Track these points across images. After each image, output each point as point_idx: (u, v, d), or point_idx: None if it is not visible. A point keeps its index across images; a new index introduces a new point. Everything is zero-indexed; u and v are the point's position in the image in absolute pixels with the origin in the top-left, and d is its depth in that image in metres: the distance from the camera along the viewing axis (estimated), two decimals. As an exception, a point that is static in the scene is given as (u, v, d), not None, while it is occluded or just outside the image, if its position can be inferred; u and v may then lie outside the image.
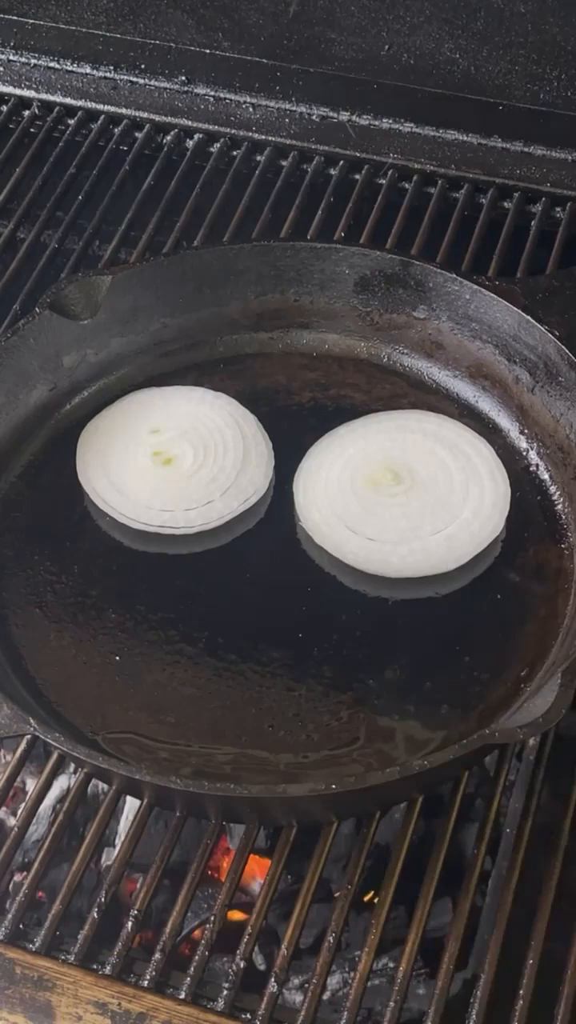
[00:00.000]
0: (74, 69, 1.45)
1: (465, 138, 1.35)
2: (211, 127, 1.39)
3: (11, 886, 0.95)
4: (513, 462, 1.08)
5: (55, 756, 0.95)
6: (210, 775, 0.91)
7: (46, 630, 1.00)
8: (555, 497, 1.06)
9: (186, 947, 1.03)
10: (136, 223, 1.32)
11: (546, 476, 1.07)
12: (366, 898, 1.01)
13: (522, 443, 1.09)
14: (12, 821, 1.14)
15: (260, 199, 1.32)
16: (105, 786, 1.02)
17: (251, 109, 1.41)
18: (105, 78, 1.45)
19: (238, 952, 0.85)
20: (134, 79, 1.44)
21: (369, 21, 1.31)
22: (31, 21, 1.43)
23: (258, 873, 1.09)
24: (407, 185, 1.33)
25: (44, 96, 1.44)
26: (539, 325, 1.06)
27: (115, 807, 0.95)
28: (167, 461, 1.08)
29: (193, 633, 0.99)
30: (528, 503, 1.06)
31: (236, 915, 1.01)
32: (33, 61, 1.46)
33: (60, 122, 1.42)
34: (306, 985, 0.86)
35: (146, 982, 0.85)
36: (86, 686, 0.96)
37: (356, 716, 0.94)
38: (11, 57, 1.47)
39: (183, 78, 1.42)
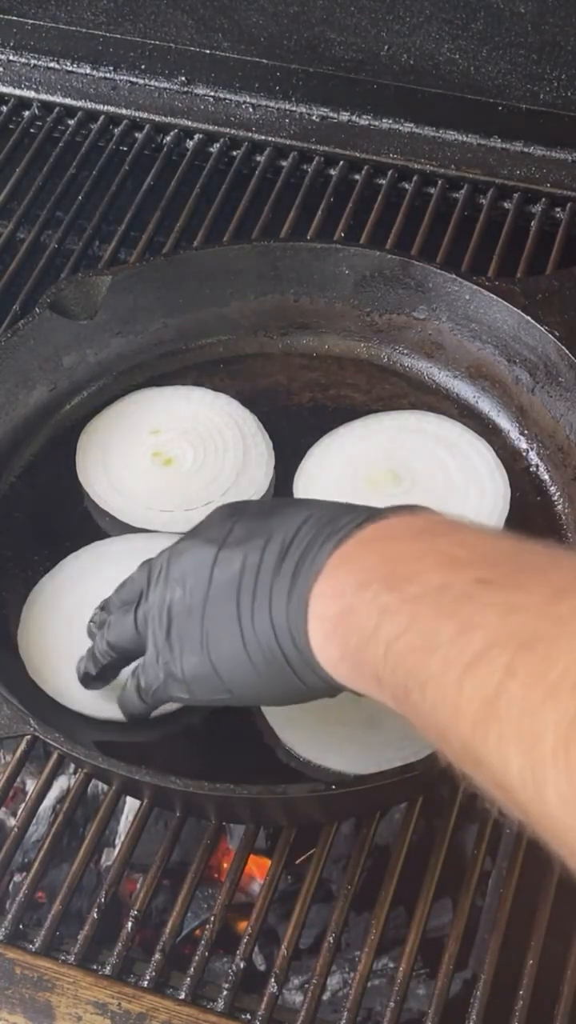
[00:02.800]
0: (74, 69, 1.45)
1: (465, 138, 1.35)
2: (211, 127, 1.39)
3: (11, 886, 0.95)
4: (513, 462, 1.08)
5: (55, 756, 0.95)
6: (211, 776, 0.91)
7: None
8: (555, 497, 1.06)
9: (186, 947, 1.03)
10: (136, 223, 1.32)
11: (546, 477, 1.07)
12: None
13: (522, 444, 1.09)
14: (12, 821, 1.14)
15: (260, 199, 1.32)
16: (105, 786, 1.02)
17: (251, 109, 1.41)
18: (105, 78, 1.45)
19: (238, 952, 0.85)
20: (134, 79, 1.44)
21: (369, 21, 1.31)
22: (31, 21, 1.43)
23: (258, 873, 1.09)
24: (407, 185, 1.33)
25: (44, 96, 1.44)
26: (539, 325, 1.06)
27: (115, 807, 0.95)
28: (167, 462, 1.08)
29: (193, 633, 0.99)
30: (528, 503, 1.06)
31: (236, 920, 1.01)
32: (33, 61, 1.46)
33: (60, 122, 1.42)
34: (306, 985, 0.86)
35: (146, 982, 0.85)
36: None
37: (356, 716, 0.94)
38: (11, 57, 1.47)
39: (183, 78, 1.42)
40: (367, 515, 0.72)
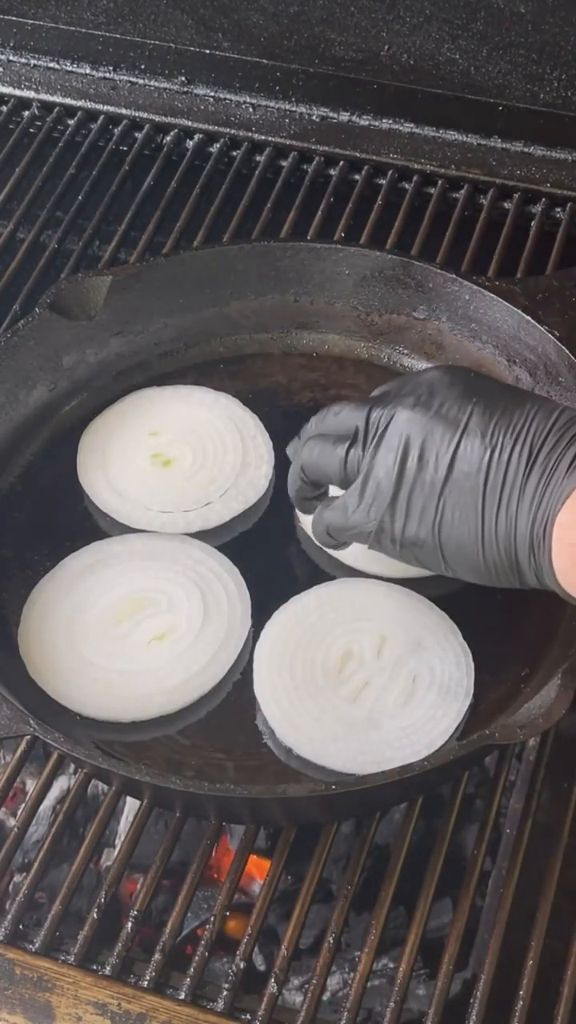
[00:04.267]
0: (74, 69, 1.45)
1: (465, 138, 1.35)
2: (211, 127, 1.39)
3: (11, 886, 0.95)
4: (513, 462, 1.08)
5: (55, 756, 0.95)
6: (211, 776, 0.91)
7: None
8: (555, 497, 1.06)
9: (188, 947, 1.03)
10: (136, 223, 1.32)
11: (546, 476, 1.07)
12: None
13: (522, 443, 1.09)
14: (12, 821, 1.14)
15: (260, 199, 1.32)
16: (105, 786, 1.02)
17: (251, 109, 1.41)
18: (105, 78, 1.45)
19: (238, 952, 0.85)
20: (134, 79, 1.44)
21: (369, 21, 1.31)
22: (31, 21, 1.43)
23: (258, 874, 1.09)
24: (407, 185, 1.33)
25: (44, 96, 1.44)
26: (539, 325, 1.06)
27: (115, 807, 0.95)
28: (166, 463, 1.08)
29: (193, 633, 0.99)
30: (528, 503, 1.06)
31: (236, 920, 1.01)
32: (33, 61, 1.46)
33: (60, 122, 1.42)
34: (306, 986, 0.86)
35: (146, 983, 0.85)
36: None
37: (356, 716, 0.94)
38: (11, 57, 1.47)
39: (183, 78, 1.42)
40: None
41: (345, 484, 0.87)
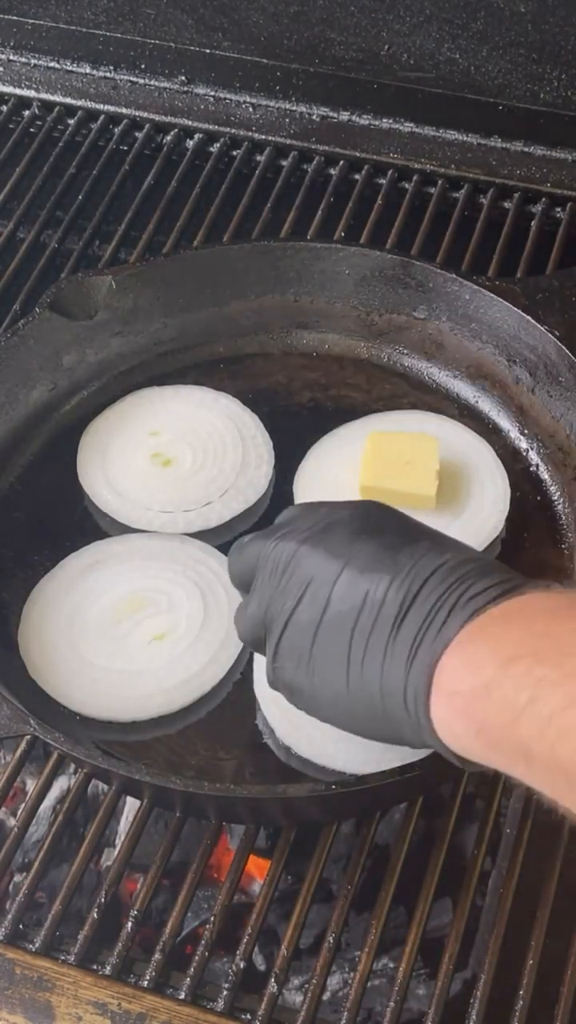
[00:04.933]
0: (74, 69, 1.45)
1: (465, 138, 1.35)
2: (211, 127, 1.39)
3: (11, 886, 0.95)
4: (513, 462, 1.08)
5: (55, 756, 0.95)
6: (211, 776, 0.91)
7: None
8: (555, 497, 1.06)
9: (188, 947, 1.03)
10: (136, 223, 1.32)
11: (546, 476, 1.07)
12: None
13: (522, 443, 1.09)
14: (12, 821, 1.14)
15: (260, 199, 1.32)
16: (105, 786, 1.02)
17: (251, 109, 1.41)
18: (105, 78, 1.45)
19: (238, 952, 0.85)
20: (134, 79, 1.44)
21: (369, 21, 1.31)
22: (31, 21, 1.43)
23: (258, 874, 1.09)
24: (407, 185, 1.33)
25: (44, 96, 1.44)
26: (539, 325, 1.06)
27: (115, 807, 0.95)
28: (166, 463, 1.08)
29: (193, 633, 0.99)
30: (528, 503, 1.06)
31: (236, 920, 1.01)
32: (33, 61, 1.46)
33: (60, 122, 1.42)
34: (306, 985, 0.86)
35: (146, 982, 0.85)
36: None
37: (356, 716, 0.93)
38: (11, 57, 1.47)
39: (183, 78, 1.42)
40: (504, 588, 0.69)
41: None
